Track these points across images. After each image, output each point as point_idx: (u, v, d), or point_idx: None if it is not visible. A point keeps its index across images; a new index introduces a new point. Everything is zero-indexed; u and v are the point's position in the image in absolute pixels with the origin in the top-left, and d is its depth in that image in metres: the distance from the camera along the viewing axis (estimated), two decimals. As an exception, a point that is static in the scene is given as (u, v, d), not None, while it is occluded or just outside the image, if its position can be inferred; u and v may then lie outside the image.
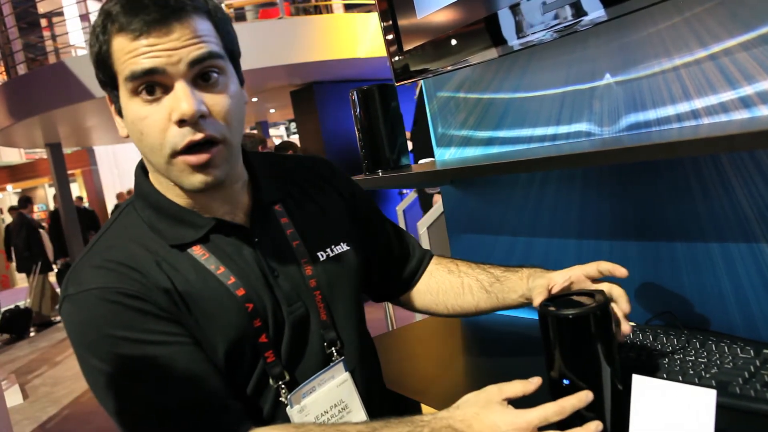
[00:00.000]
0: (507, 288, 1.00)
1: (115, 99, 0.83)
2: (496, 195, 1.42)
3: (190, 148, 0.78)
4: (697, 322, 1.07)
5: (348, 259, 0.98)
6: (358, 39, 6.55)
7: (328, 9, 8.12)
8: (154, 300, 0.79)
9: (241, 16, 8.49)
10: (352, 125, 1.57)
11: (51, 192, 12.57)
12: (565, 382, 0.76)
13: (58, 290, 7.83)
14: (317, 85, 7.48)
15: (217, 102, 0.79)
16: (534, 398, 0.76)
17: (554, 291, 0.88)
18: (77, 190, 15.01)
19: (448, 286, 1.09)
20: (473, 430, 0.74)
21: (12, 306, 7.48)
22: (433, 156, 1.59)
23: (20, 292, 7.98)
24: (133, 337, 0.77)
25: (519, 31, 1.08)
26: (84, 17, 8.47)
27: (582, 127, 1.19)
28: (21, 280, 8.42)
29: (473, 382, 1.13)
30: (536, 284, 0.93)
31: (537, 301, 0.85)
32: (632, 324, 1.10)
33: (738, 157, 0.96)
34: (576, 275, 0.90)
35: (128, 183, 12.55)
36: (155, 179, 0.88)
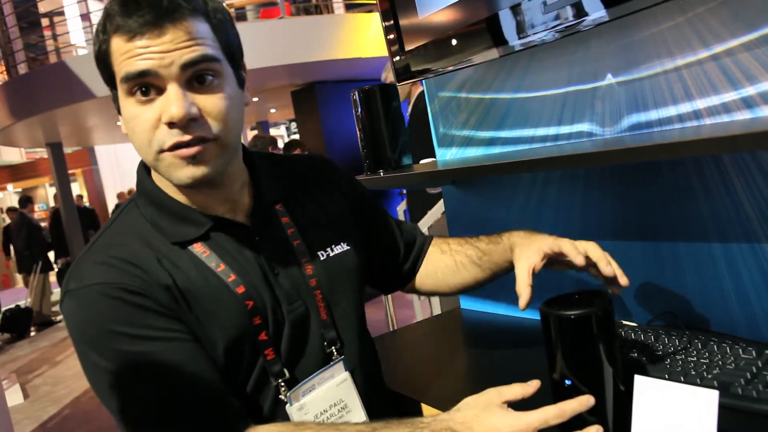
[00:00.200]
0: (495, 259, 1.04)
1: (115, 97, 0.83)
2: (497, 195, 1.42)
3: (179, 147, 0.78)
4: (699, 322, 1.07)
5: (348, 259, 0.99)
6: (359, 39, 6.54)
7: (329, 9, 8.12)
8: (155, 296, 0.79)
9: (241, 15, 8.49)
10: (353, 125, 1.57)
11: (51, 191, 12.57)
12: (567, 382, 0.76)
13: (56, 291, 7.84)
14: (318, 85, 7.49)
15: (211, 103, 0.79)
16: (534, 400, 0.76)
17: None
18: (78, 189, 15.01)
19: (443, 266, 1.12)
20: None
21: (12, 305, 7.49)
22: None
23: (21, 291, 7.99)
24: (133, 332, 0.77)
25: (520, 31, 1.08)
26: (85, 17, 8.47)
27: (584, 127, 1.19)
28: (21, 279, 8.40)
29: (473, 383, 1.13)
30: (518, 267, 0.95)
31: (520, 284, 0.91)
32: (633, 324, 1.11)
33: (740, 158, 0.96)
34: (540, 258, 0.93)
35: (129, 183, 12.55)
36: (157, 177, 0.88)
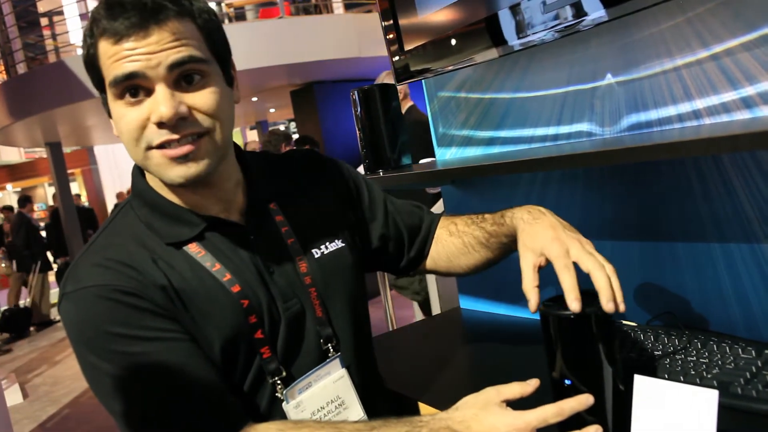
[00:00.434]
0: (502, 240, 1.00)
1: (105, 101, 0.84)
2: (497, 195, 1.42)
3: (168, 145, 0.79)
4: (699, 322, 1.07)
5: (343, 256, 0.99)
6: (359, 38, 6.54)
7: (329, 8, 8.12)
8: (151, 297, 0.80)
9: (241, 15, 8.49)
10: (352, 125, 1.57)
11: (51, 191, 12.57)
12: (567, 382, 0.76)
13: (54, 291, 7.83)
14: (317, 85, 7.48)
15: (200, 100, 0.80)
16: (534, 400, 0.76)
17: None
18: (77, 189, 15.01)
19: (453, 248, 1.09)
20: (472, 431, 0.75)
21: (12, 305, 7.49)
22: None
23: (21, 291, 7.99)
24: (129, 333, 0.78)
25: (520, 31, 1.08)
26: (84, 16, 8.45)
27: (583, 127, 1.19)
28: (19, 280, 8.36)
29: (472, 382, 1.13)
30: (522, 263, 0.88)
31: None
32: (633, 324, 1.11)
33: (739, 158, 0.96)
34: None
35: (128, 182, 12.45)
36: (151, 178, 0.89)
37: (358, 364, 0.97)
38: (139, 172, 0.91)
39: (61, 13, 9.85)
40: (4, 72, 8.59)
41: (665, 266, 1.11)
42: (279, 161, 1.05)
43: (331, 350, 0.93)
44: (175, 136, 0.79)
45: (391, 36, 1.37)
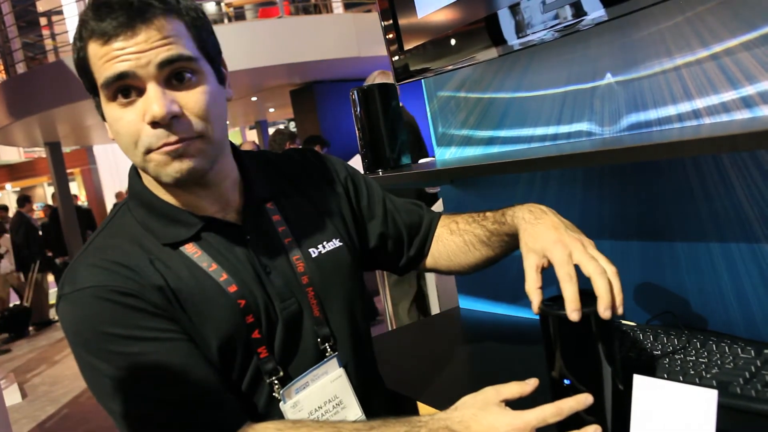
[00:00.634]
0: (504, 238, 1.00)
1: (98, 104, 0.84)
2: (496, 195, 1.42)
3: (166, 146, 0.79)
4: (698, 322, 1.07)
5: (341, 255, 0.99)
6: (358, 38, 6.54)
7: (328, 8, 8.12)
8: (148, 297, 0.80)
9: (240, 15, 8.49)
10: (351, 125, 1.57)
11: (50, 191, 12.56)
12: (566, 382, 0.76)
13: (53, 291, 7.82)
14: (317, 85, 7.49)
15: (192, 100, 0.80)
16: (533, 399, 0.76)
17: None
18: (76, 189, 15.01)
19: (454, 247, 1.09)
20: (471, 431, 0.75)
21: (11, 305, 7.48)
22: None
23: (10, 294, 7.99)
24: (127, 334, 0.78)
25: (519, 30, 1.08)
26: (83, 16, 8.44)
27: (583, 126, 1.19)
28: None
29: (471, 382, 1.12)
30: (526, 264, 0.87)
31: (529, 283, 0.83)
32: (632, 324, 1.11)
33: (739, 157, 0.96)
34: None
35: (127, 182, 12.50)
36: (147, 179, 0.89)
37: (356, 363, 0.97)
38: (135, 173, 0.91)
39: (60, 12, 9.84)
40: (3, 72, 8.59)
41: (665, 266, 1.11)
42: (276, 160, 1.05)
43: (329, 350, 0.93)
44: (173, 138, 0.79)
45: (390, 36, 1.37)
